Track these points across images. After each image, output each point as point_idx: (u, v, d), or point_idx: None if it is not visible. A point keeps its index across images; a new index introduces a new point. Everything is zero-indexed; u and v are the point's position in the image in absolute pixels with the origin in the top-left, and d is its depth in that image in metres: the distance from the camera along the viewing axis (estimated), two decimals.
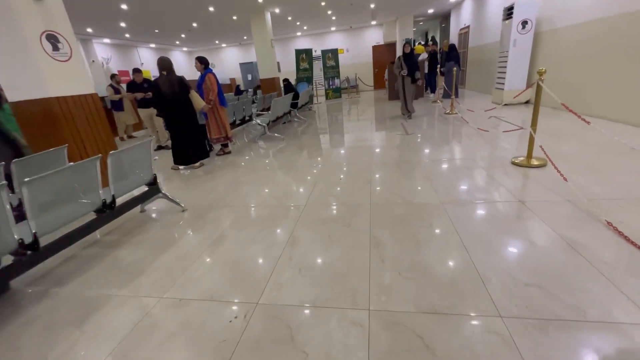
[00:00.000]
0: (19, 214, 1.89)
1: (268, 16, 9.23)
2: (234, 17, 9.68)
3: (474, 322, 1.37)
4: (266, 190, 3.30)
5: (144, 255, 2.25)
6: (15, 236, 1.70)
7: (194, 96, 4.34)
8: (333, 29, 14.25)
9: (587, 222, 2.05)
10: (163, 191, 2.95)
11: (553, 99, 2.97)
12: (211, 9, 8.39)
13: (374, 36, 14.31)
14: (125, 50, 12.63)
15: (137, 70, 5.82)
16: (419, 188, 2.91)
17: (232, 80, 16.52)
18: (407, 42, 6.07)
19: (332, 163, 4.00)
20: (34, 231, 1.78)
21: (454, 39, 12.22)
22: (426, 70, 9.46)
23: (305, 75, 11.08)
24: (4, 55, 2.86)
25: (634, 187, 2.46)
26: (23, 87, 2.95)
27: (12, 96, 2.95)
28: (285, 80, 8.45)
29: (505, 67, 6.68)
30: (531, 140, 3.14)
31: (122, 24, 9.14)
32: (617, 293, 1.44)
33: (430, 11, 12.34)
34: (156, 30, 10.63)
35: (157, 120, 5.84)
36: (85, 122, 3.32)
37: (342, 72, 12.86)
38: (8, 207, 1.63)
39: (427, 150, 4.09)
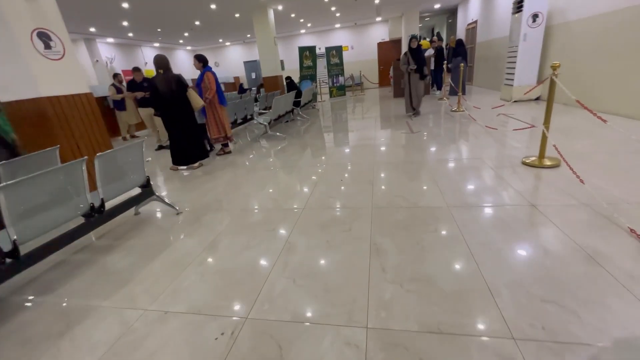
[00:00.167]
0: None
1: (271, 13, 9.09)
2: (237, 15, 9.57)
3: (483, 345, 1.23)
4: (264, 192, 3.18)
5: (134, 261, 2.15)
6: None
7: (192, 95, 4.24)
8: (337, 25, 14.05)
9: (607, 228, 1.89)
10: (157, 193, 2.85)
11: (564, 94, 2.79)
12: (213, 6, 8.29)
13: (379, 33, 14.07)
14: (129, 50, 12.63)
15: (137, 69, 5.74)
16: (424, 190, 2.76)
17: (236, 78, 16.44)
18: (414, 37, 5.76)
19: (333, 163, 3.87)
20: (13, 238, 1.68)
21: (461, 34, 11.93)
22: (432, 67, 9.24)
23: (308, 73, 10.93)
24: None
25: None
26: (13, 87, 2.87)
27: (2, 97, 2.87)
28: (288, 79, 8.32)
29: (515, 62, 6.45)
30: (544, 139, 2.96)
31: (125, 23, 9.10)
32: None
33: (437, 6, 12.06)
34: (159, 29, 10.58)
35: (158, 120, 5.76)
36: (79, 123, 3.23)
37: (347, 69, 12.68)
38: None
39: (432, 150, 3.93)
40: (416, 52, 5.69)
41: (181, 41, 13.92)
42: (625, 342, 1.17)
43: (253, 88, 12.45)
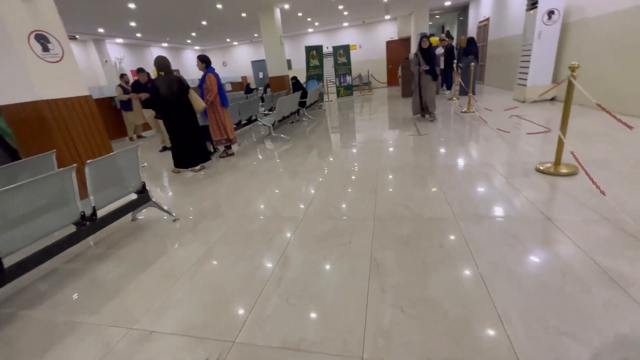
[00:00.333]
0: None
1: (277, 12, 9.00)
2: (243, 15, 9.51)
3: None
4: (264, 198, 3.08)
5: (124, 272, 2.08)
6: None
7: (194, 97, 4.17)
8: (345, 24, 13.88)
9: (633, 248, 1.71)
10: (154, 198, 2.77)
11: (582, 95, 2.60)
12: (219, 6, 8.24)
13: (388, 31, 13.83)
14: (138, 50, 12.73)
15: (141, 70, 5.72)
16: (430, 198, 2.61)
17: (244, 78, 16.44)
18: (425, 37, 5.36)
19: (337, 167, 3.74)
20: None
21: (472, 32, 11.62)
22: (442, 66, 8.99)
23: (315, 73, 10.80)
24: None
25: None
26: (10, 90, 2.84)
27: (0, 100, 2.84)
28: (294, 79, 8.21)
29: (529, 61, 6.19)
30: (560, 145, 2.77)
31: (132, 24, 9.14)
32: None
33: (448, 3, 11.76)
34: (166, 30, 10.60)
35: (161, 121, 5.73)
36: (78, 126, 3.19)
37: (355, 68, 12.50)
38: None
39: (440, 154, 3.76)
40: (427, 52, 5.37)
41: (189, 41, 13.96)
42: None
43: (260, 88, 12.41)
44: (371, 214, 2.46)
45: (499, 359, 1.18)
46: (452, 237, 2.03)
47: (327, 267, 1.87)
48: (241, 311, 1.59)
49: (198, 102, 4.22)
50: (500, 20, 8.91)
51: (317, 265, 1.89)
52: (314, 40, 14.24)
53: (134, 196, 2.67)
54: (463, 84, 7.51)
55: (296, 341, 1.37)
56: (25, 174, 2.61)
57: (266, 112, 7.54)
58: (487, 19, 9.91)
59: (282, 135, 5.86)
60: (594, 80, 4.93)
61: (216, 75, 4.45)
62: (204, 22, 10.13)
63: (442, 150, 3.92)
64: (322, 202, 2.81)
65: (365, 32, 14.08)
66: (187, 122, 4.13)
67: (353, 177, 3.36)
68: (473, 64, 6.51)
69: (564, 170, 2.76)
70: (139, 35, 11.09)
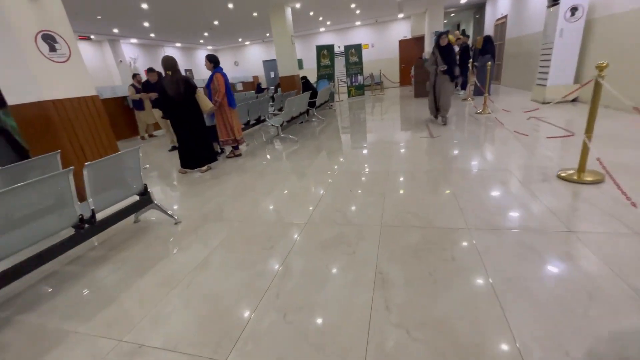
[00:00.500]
0: None
1: (288, 11, 8.92)
2: (254, 14, 9.49)
3: None
4: (268, 201, 2.99)
5: (122, 277, 2.03)
6: None
7: (201, 97, 4.13)
8: (358, 23, 13.70)
9: None
10: (156, 201, 2.73)
11: (608, 96, 2.40)
12: (230, 6, 8.24)
13: (401, 30, 13.58)
14: (152, 50, 12.92)
15: (151, 70, 5.73)
16: (442, 206, 2.46)
17: (255, 77, 16.48)
18: (444, 34, 4.96)
19: (345, 170, 3.62)
20: None
21: (488, 30, 11.26)
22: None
23: (326, 72, 10.68)
24: None
25: None
26: (17, 90, 2.85)
27: (7, 100, 2.85)
28: (303, 78, 8.12)
29: (549, 60, 5.90)
30: (585, 150, 2.57)
31: (146, 24, 9.25)
32: None
33: (463, 1, 11.44)
34: (178, 30, 10.70)
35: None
36: (84, 126, 3.19)
37: (367, 68, 12.32)
38: None
39: (453, 157, 3.59)
40: (446, 51, 4.96)
41: (202, 41, 14.08)
42: None
43: (271, 87, 12.38)
44: (378, 221, 2.34)
45: None
46: (464, 248, 1.88)
47: (329, 279, 1.76)
48: (235, 326, 1.50)
49: (205, 103, 4.18)
50: (518, 18, 8.58)
51: (319, 277, 1.79)
52: (325, 39, 14.13)
53: (136, 198, 2.63)
54: (479, 84, 7.25)
55: None
56: (29, 174, 2.61)
57: (275, 112, 7.48)
58: (505, 17, 9.57)
59: (290, 136, 5.78)
60: (621, 80, 4.63)
61: (224, 75, 4.40)
62: (216, 22, 10.17)
63: (456, 153, 3.75)
64: (327, 207, 2.70)
65: (377, 31, 13.87)
66: (193, 122, 4.10)
67: (361, 181, 3.24)
68: (489, 63, 6.26)
69: (588, 178, 2.56)
70: (152, 35, 11.24)
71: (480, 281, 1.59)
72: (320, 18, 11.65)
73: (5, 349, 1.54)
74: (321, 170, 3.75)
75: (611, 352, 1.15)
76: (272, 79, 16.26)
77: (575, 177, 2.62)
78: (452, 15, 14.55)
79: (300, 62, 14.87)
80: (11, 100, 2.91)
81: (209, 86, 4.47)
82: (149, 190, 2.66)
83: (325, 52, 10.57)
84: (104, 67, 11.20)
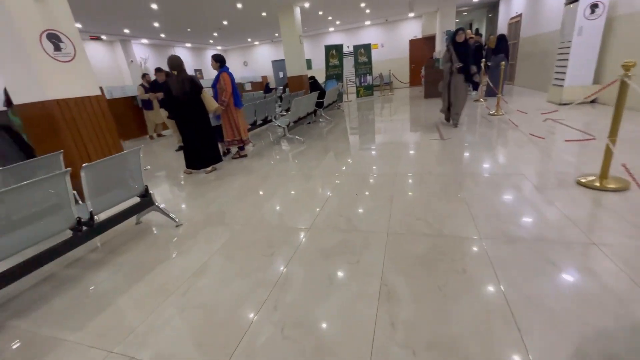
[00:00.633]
0: None
1: (297, 11, 8.85)
2: (263, 14, 9.44)
3: None
4: (271, 204, 2.91)
5: (118, 282, 1.97)
6: None
7: (206, 97, 4.09)
8: (367, 23, 13.54)
9: None
10: (157, 202, 2.67)
11: (633, 97, 2.23)
12: (239, 5, 8.20)
13: (412, 29, 13.36)
14: (162, 50, 13.03)
15: (159, 70, 5.75)
16: (452, 212, 2.34)
17: (264, 77, 16.48)
18: (461, 30, 4.65)
19: (351, 172, 3.52)
20: None
21: (502, 29, 10.97)
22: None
23: (335, 72, 10.57)
24: (1, 56, 2.75)
25: None
26: (22, 89, 2.84)
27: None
28: (311, 78, 8.04)
29: (567, 59, 5.67)
30: (608, 155, 2.41)
31: (156, 24, 9.31)
32: None
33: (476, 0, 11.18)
34: (188, 30, 10.75)
35: None
36: (88, 125, 3.16)
37: (376, 68, 12.16)
38: None
39: (465, 161, 3.45)
40: (462, 48, 4.64)
41: (211, 41, 14.15)
42: None
43: (279, 87, 12.35)
44: (385, 227, 2.23)
45: None
46: (476, 260, 1.76)
47: (331, 290, 1.66)
48: (230, 340, 1.41)
49: (211, 103, 4.13)
50: (534, 16, 8.31)
51: (320, 288, 1.69)
52: (334, 39, 14.02)
53: (137, 200, 2.59)
54: (491, 84, 7.03)
55: None
56: (35, 173, 2.59)
57: (283, 112, 7.41)
58: (519, 15, 9.29)
59: (297, 137, 5.70)
60: None
61: (230, 75, 4.35)
62: (225, 22, 10.18)
63: (467, 156, 3.60)
64: (332, 211, 2.60)
65: (387, 30, 13.68)
66: (199, 122, 4.05)
67: (368, 184, 3.13)
68: (503, 62, 6.05)
69: (611, 185, 2.39)
70: (162, 35, 11.32)
71: (494, 298, 1.47)
72: (330, 18, 11.55)
73: None
74: (327, 172, 3.65)
75: None
76: (280, 79, 16.23)
77: (596, 184, 2.46)
78: (465, 14, 14.25)
79: (309, 62, 14.81)
80: (16, 99, 2.91)
81: (215, 86, 4.43)
82: (150, 191, 2.61)
83: (333, 52, 10.47)
84: (115, 66, 11.35)
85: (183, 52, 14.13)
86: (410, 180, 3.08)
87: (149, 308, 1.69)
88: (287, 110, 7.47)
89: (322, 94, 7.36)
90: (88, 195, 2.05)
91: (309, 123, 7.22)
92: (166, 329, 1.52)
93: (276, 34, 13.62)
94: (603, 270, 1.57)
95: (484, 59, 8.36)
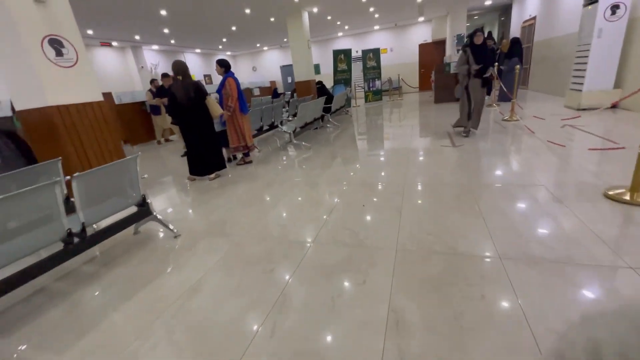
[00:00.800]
0: None
1: (305, 16, 8.81)
2: (272, 19, 9.44)
3: None
4: (274, 214, 2.78)
5: (108, 300, 1.86)
6: None
7: (211, 103, 4.01)
8: (376, 27, 13.45)
9: None
10: (155, 212, 2.57)
11: None
12: (247, 11, 8.21)
13: (421, 34, 13.20)
14: (172, 56, 13.16)
15: (165, 75, 5.73)
16: (467, 227, 2.16)
17: (272, 82, 16.52)
18: (480, 31, 4.25)
19: (358, 181, 3.36)
20: None
21: (515, 32, 10.71)
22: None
23: (343, 77, 10.47)
24: (1, 62, 2.72)
25: None
26: (23, 95, 2.80)
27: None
28: (319, 83, 7.94)
29: (586, 63, 5.41)
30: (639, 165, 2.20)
31: (165, 30, 9.39)
32: None
33: (488, 3, 10.96)
34: (197, 35, 10.82)
35: None
36: (89, 132, 3.11)
37: (385, 72, 12.02)
38: None
39: (479, 170, 3.26)
40: (480, 51, 4.27)
41: (220, 47, 14.26)
42: None
43: (287, 92, 12.32)
44: (393, 243, 2.06)
45: None
46: (496, 284, 1.58)
47: (334, 315, 1.51)
48: None
49: (215, 109, 4.05)
50: (549, 19, 8.06)
51: (321, 313, 1.54)
52: (343, 44, 13.95)
53: (134, 209, 2.49)
54: (505, 89, 6.80)
55: None
56: (35, 180, 2.52)
57: (290, 117, 7.32)
58: (534, 18, 9.04)
59: (303, 143, 5.58)
60: None
61: (236, 80, 4.27)
62: (234, 28, 10.21)
63: (481, 165, 3.41)
64: (337, 223, 2.45)
65: (396, 35, 13.55)
66: (203, 128, 3.97)
67: (376, 194, 2.97)
68: (518, 67, 5.83)
69: None
70: (172, 41, 11.44)
71: (518, 331, 1.29)
72: (338, 22, 11.49)
73: None
74: (333, 180, 3.51)
75: None
76: (289, 84, 16.24)
77: (626, 198, 2.25)
78: (476, 17, 14.03)
79: (317, 67, 14.77)
80: (17, 105, 2.87)
81: (220, 91, 4.36)
82: (148, 200, 2.51)
83: (342, 57, 10.38)
84: (126, 72, 11.50)
85: (193, 58, 14.27)
86: (420, 191, 2.91)
87: (137, 330, 1.56)
88: (294, 115, 7.39)
89: (329, 99, 7.24)
90: (80, 206, 1.96)
91: (316, 128, 7.11)
92: (153, 354, 1.39)
93: (285, 39, 13.64)
94: None
95: (496, 63, 8.14)
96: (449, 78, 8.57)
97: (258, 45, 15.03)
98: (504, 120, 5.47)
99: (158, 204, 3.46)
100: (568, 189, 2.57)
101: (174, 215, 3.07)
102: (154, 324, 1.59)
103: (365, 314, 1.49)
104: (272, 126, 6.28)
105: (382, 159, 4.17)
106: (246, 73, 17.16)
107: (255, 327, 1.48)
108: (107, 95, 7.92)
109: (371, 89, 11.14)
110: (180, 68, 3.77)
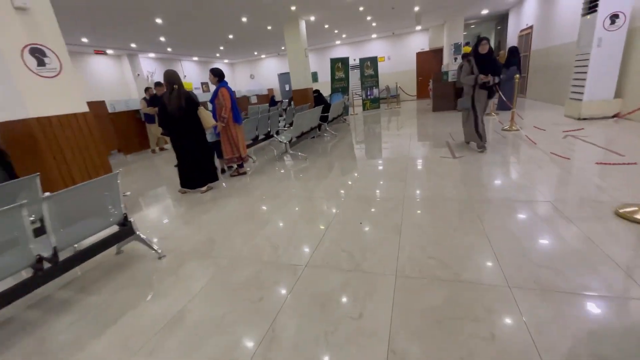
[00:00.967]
0: None
1: (302, 25, 8.78)
2: (269, 27, 9.40)
3: None
4: (265, 232, 2.62)
5: (78, 334, 1.68)
6: None
7: (203, 113, 3.87)
8: (374, 36, 13.47)
9: None
10: (138, 232, 2.41)
11: None
12: (244, 19, 8.16)
13: (419, 42, 13.23)
14: (169, 64, 13.10)
15: (158, 84, 5.63)
16: (471, 250, 2.01)
17: (270, 90, 16.49)
18: (485, 40, 3.94)
19: (355, 194, 3.22)
20: None
21: (512, 42, 10.73)
22: None
23: (340, 86, 10.42)
24: None
25: None
26: (2, 107, 2.65)
27: None
28: (316, 92, 7.85)
29: (586, 72, 5.35)
30: None
31: (162, 39, 9.33)
32: None
33: (484, 12, 11.00)
34: (194, 43, 10.77)
35: None
36: (73, 145, 2.96)
37: (383, 81, 11.99)
38: None
39: (480, 183, 3.13)
40: (486, 61, 3.95)
41: (218, 55, 14.23)
42: None
43: (285, 100, 12.25)
44: (392, 268, 1.91)
45: None
46: (507, 319, 1.43)
47: (326, 356, 1.35)
48: None
49: (207, 120, 3.91)
50: (546, 28, 8.05)
51: (313, 352, 1.37)
52: (340, 52, 13.96)
53: (116, 228, 2.33)
54: (504, 98, 6.72)
55: None
56: (14, 196, 2.37)
57: (286, 126, 7.21)
58: (530, 27, 9.05)
59: (299, 153, 5.44)
60: None
61: (229, 90, 4.15)
62: (231, 36, 10.17)
63: (483, 178, 3.27)
64: (332, 244, 2.30)
65: (394, 43, 13.58)
66: (194, 139, 3.83)
67: (374, 210, 2.82)
68: (517, 76, 5.75)
69: None
70: (169, 49, 11.38)
71: None
72: (336, 31, 11.49)
73: None
74: (329, 194, 3.36)
75: None
76: (287, 92, 16.20)
77: (638, 217, 2.11)
78: (473, 26, 14.09)
79: (315, 75, 14.76)
80: None
81: (213, 101, 4.23)
82: (130, 219, 2.35)
83: (339, 65, 10.34)
84: (122, 80, 11.41)
85: (190, 66, 14.22)
86: (420, 207, 2.77)
87: None
88: (291, 124, 7.28)
89: (326, 108, 7.14)
90: (51, 228, 1.80)
91: (313, 137, 6.99)
92: None
93: (282, 47, 13.64)
94: None
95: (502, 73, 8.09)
96: (447, 86, 8.51)
97: (256, 53, 15.02)
98: (503, 130, 5.37)
99: (145, 219, 3.30)
100: (576, 206, 2.43)
101: (161, 232, 2.91)
102: None
103: (361, 355, 1.33)
104: (268, 135, 6.15)
105: (380, 171, 4.03)
106: (244, 81, 17.13)
107: None
108: (101, 104, 7.78)
109: (369, 97, 11.09)
110: (171, 77, 3.65)
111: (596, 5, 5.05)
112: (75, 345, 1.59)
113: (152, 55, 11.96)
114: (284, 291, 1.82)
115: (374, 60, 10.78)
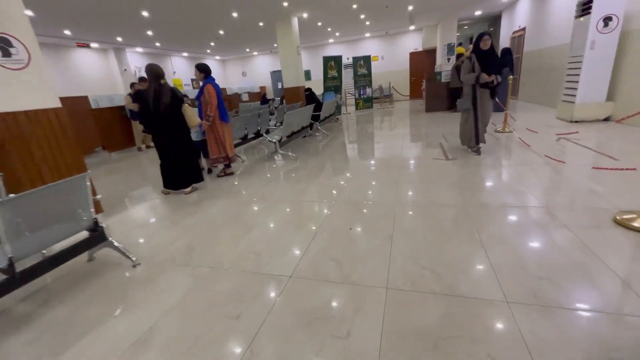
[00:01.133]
0: None
1: (295, 22, 8.60)
2: (260, 24, 9.19)
3: None
4: (248, 239, 2.47)
5: (36, 356, 1.51)
6: None
7: (188, 111, 3.69)
8: (367, 35, 13.36)
9: None
10: (111, 238, 2.23)
11: None
12: (235, 15, 7.94)
13: (412, 42, 13.18)
14: (158, 59, 12.76)
15: (143, 79, 5.39)
16: (466, 260, 1.90)
17: (262, 88, 16.25)
18: (487, 35, 3.65)
19: (345, 198, 3.09)
20: None
21: (504, 43, 10.76)
22: None
23: (333, 84, 10.28)
24: None
25: None
26: None
27: None
28: (308, 90, 7.69)
29: (578, 74, 5.32)
30: None
31: (149, 32, 9.03)
32: None
33: (478, 13, 11.00)
34: (183, 39, 10.48)
35: None
36: (43, 143, 2.75)
37: (376, 80, 11.89)
38: None
39: (475, 187, 3.03)
40: (489, 57, 3.69)
41: (209, 51, 13.93)
42: None
43: (277, 98, 12.05)
44: (383, 280, 1.78)
45: None
46: (506, 341, 1.31)
47: None
48: None
49: (192, 118, 3.72)
50: (539, 30, 8.05)
51: None
52: (334, 50, 13.82)
53: (86, 233, 2.15)
54: (497, 99, 6.67)
55: None
56: None
57: (277, 125, 7.05)
58: (523, 29, 9.05)
59: (289, 153, 5.29)
60: None
61: (216, 87, 3.97)
62: (221, 32, 9.92)
63: (477, 182, 3.18)
64: (320, 252, 2.16)
65: (387, 42, 13.50)
66: (177, 137, 3.64)
67: (364, 215, 2.70)
68: (511, 77, 5.70)
69: None
70: (158, 44, 11.06)
71: None
72: (329, 29, 11.33)
73: None
74: (318, 197, 3.22)
75: None
76: (279, 90, 15.99)
77: (635, 224, 2.03)
78: (466, 27, 14.11)
79: (307, 73, 14.59)
80: None
81: (199, 98, 4.04)
82: (101, 224, 2.17)
83: (332, 64, 10.20)
84: (108, 75, 11.04)
85: (180, 61, 13.89)
86: (413, 213, 2.65)
87: None
88: (282, 123, 7.11)
89: (318, 107, 6.99)
90: (6, 237, 1.61)
91: (305, 137, 6.84)
92: None
93: (275, 45, 13.41)
94: None
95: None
96: (440, 87, 8.45)
97: (248, 50, 14.76)
98: (496, 132, 5.32)
99: (123, 222, 3.11)
100: (573, 212, 2.35)
101: (137, 237, 2.73)
102: None
103: None
104: (258, 134, 5.98)
105: (371, 174, 3.91)
106: (236, 78, 16.84)
107: None
108: (83, 99, 7.48)
109: (362, 96, 10.98)
110: (154, 73, 3.45)
111: (589, 8, 5.02)
112: None
113: (139, 49, 11.61)
114: (265, 306, 1.67)
115: (367, 60, 10.66)
